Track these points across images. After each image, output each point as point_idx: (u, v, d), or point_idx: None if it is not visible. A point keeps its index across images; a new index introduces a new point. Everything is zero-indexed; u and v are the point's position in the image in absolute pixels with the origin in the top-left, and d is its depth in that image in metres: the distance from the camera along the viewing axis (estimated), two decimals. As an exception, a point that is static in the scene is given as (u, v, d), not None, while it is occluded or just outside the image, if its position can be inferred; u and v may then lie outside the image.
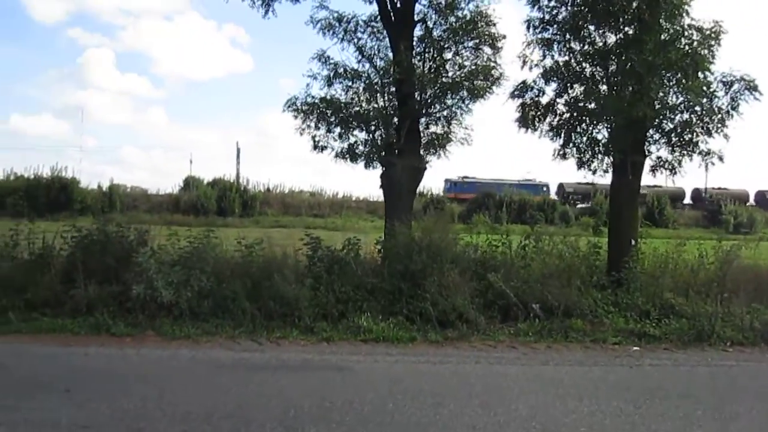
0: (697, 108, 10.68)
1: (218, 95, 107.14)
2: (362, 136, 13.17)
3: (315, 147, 13.37)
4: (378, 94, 13.09)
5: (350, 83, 13.14)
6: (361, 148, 13.16)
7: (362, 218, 43.11)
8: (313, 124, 13.06)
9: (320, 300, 8.59)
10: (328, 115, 12.94)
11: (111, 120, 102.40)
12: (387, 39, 13.14)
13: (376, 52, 13.30)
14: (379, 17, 13.21)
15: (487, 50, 12.93)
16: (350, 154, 13.29)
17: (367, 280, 9.04)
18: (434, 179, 56.12)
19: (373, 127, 13.09)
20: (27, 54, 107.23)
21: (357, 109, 12.90)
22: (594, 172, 11.76)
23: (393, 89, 13.03)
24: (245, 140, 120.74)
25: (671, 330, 8.30)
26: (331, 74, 12.97)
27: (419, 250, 8.98)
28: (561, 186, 53.57)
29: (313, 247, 9.61)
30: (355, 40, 13.24)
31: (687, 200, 54.25)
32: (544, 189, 54.77)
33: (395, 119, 12.96)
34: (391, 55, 13.04)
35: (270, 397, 5.53)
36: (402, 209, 12.44)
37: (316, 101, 12.82)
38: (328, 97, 12.81)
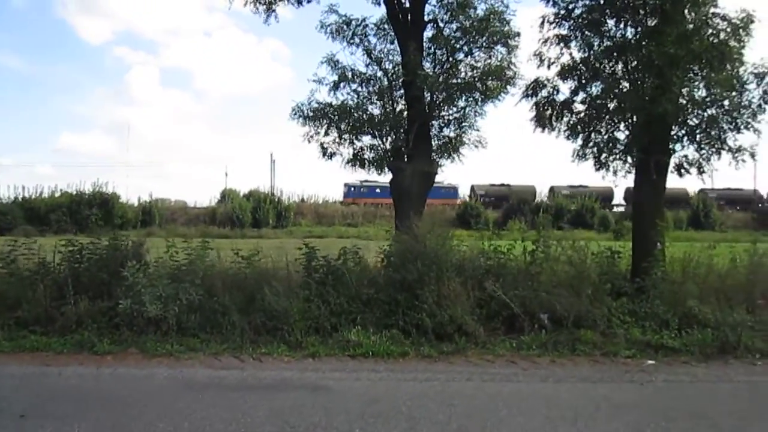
0: (725, 102, 9.94)
1: (257, 108, 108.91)
2: (370, 141, 12.81)
3: (324, 154, 13.06)
4: (386, 98, 12.71)
5: (359, 87, 12.83)
6: (368, 154, 12.82)
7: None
8: (322, 131, 12.78)
9: (313, 313, 8.16)
10: (336, 120, 12.62)
11: (155, 135, 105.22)
12: (395, 41, 12.78)
13: (385, 54, 12.94)
14: (387, 19, 12.86)
15: (501, 49, 12.41)
16: (359, 160, 12.94)
17: (363, 291, 8.56)
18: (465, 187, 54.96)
19: (380, 132, 12.71)
20: (77, 73, 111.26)
21: (363, 113, 12.56)
22: (615, 173, 11.08)
23: (401, 92, 12.65)
24: (283, 152, 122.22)
25: (692, 341, 7.56)
26: (339, 79, 12.68)
27: (414, 258, 8.45)
28: (473, 188, 52.98)
29: (308, 257, 9.18)
30: (365, 44, 12.92)
31: (618, 200, 52.62)
32: (452, 191, 52.95)
33: (403, 123, 12.54)
34: (399, 57, 12.66)
35: (229, 421, 5.08)
36: (412, 216, 11.92)
37: (323, 107, 12.52)
38: (335, 102, 12.49)
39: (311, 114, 12.39)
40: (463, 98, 12.72)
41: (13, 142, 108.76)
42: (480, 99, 12.56)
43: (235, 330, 7.96)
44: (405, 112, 12.61)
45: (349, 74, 12.74)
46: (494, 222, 39.46)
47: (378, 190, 50.77)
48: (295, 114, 12.52)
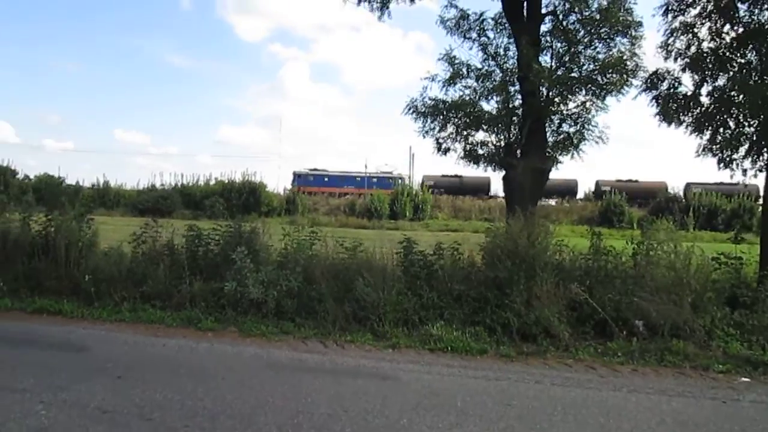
0: None
1: (400, 101, 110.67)
2: (482, 137, 12.76)
3: (439, 149, 13.21)
4: (501, 94, 12.57)
5: (475, 83, 12.82)
6: (480, 150, 12.78)
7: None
8: (437, 126, 12.93)
9: (403, 305, 8.38)
10: (450, 116, 12.72)
11: (305, 128, 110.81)
12: (510, 35, 12.61)
13: (500, 49, 12.82)
14: (503, 13, 12.72)
15: (622, 40, 11.81)
16: (472, 156, 12.94)
17: (455, 287, 8.65)
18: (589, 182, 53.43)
19: (494, 128, 12.62)
20: (235, 70, 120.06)
21: (477, 109, 12.52)
22: (744, 173, 10.22)
23: (516, 87, 12.46)
24: (422, 145, 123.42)
25: (805, 362, 6.83)
26: (453, 75, 12.74)
27: (504, 257, 8.38)
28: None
29: (405, 251, 9.41)
30: (482, 39, 12.89)
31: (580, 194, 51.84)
32: (399, 182, 52.72)
33: (516, 119, 12.37)
34: (512, 52, 12.49)
35: (291, 399, 5.47)
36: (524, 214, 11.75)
37: (436, 103, 12.65)
38: (450, 99, 12.58)
39: (424, 110, 12.58)
40: (583, 92, 12.30)
41: (179, 134, 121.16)
42: (600, 93, 12.06)
43: (327, 317, 8.39)
44: (517, 108, 12.42)
45: (464, 70, 12.78)
46: (638, 221, 37.22)
47: (326, 179, 53.16)
48: (409, 109, 12.77)
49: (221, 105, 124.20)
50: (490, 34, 12.97)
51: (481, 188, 52.41)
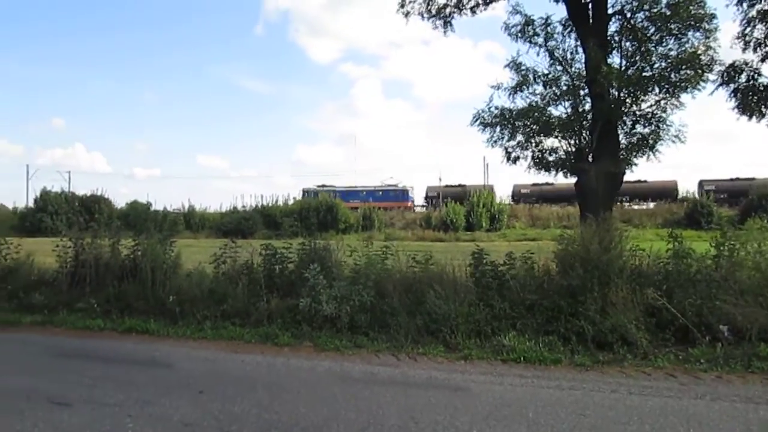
0: None
1: (474, 110, 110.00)
2: (551, 143, 12.58)
3: (508, 159, 13.13)
4: (569, 98, 12.38)
5: (542, 89, 12.68)
6: (550, 156, 12.59)
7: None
8: (506, 135, 12.85)
9: (474, 316, 8.35)
10: (518, 124, 12.61)
11: (378, 143, 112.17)
12: (576, 39, 12.42)
13: (566, 53, 12.63)
14: (567, 18, 12.56)
15: (695, 34, 11.40)
16: (542, 164, 12.77)
17: (527, 296, 8.54)
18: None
19: (563, 134, 12.42)
20: (308, 91, 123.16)
21: (546, 116, 12.37)
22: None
23: (585, 91, 12.23)
24: (496, 155, 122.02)
25: None
26: (520, 82, 12.66)
27: (576, 264, 8.20)
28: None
29: (476, 261, 9.38)
30: (548, 44, 12.75)
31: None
32: (405, 194, 55.38)
33: (586, 123, 12.13)
34: (579, 55, 12.30)
35: (362, 411, 5.57)
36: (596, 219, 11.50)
37: (503, 111, 12.58)
38: (513, 107, 12.50)
39: (490, 120, 12.53)
40: (656, 91, 11.94)
41: (257, 156, 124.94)
42: (674, 90, 11.66)
43: (400, 330, 8.46)
44: (588, 112, 12.19)
45: (531, 76, 12.66)
46: (728, 220, 35.31)
47: (335, 193, 53.31)
48: (475, 121, 12.76)
49: (296, 126, 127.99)
50: (556, 38, 12.81)
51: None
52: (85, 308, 10.31)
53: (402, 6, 13.22)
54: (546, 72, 12.66)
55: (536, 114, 12.32)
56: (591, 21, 12.14)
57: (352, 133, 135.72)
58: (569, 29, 12.77)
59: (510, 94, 12.66)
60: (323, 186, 59.30)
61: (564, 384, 6.40)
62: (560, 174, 12.67)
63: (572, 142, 12.46)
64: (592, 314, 7.76)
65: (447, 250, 11.65)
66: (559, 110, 12.38)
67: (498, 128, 12.68)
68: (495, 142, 12.93)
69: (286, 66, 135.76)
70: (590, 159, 12.06)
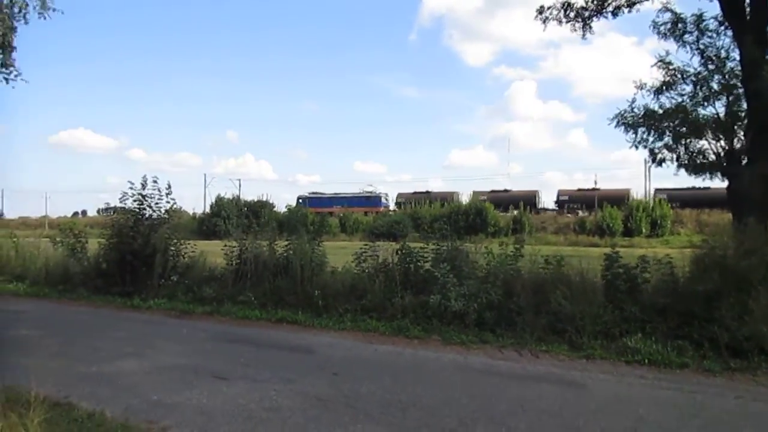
0: None
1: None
2: (700, 145, 12.01)
3: (654, 160, 12.74)
4: (720, 98, 11.76)
5: (690, 88, 12.17)
6: (698, 158, 12.03)
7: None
8: (652, 137, 12.49)
9: (603, 318, 8.37)
10: (664, 125, 12.20)
11: (533, 146, 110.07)
12: (731, 36, 11.76)
13: (719, 51, 12.00)
14: (721, 14, 11.94)
15: None
16: (691, 166, 12.24)
17: (659, 300, 8.39)
18: None
19: (715, 134, 11.82)
20: (462, 95, 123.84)
21: (695, 116, 11.85)
22: None
23: (740, 90, 11.55)
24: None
25: None
26: (668, 81, 12.24)
27: (711, 269, 7.92)
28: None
29: (608, 264, 9.33)
30: (706, 40, 12.20)
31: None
32: (378, 200, 61.15)
33: (740, 123, 11.46)
34: (733, 53, 11.64)
35: (475, 397, 5.97)
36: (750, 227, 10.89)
37: (648, 112, 12.24)
38: (656, 107, 12.10)
39: (632, 121, 12.23)
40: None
41: (412, 161, 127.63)
42: None
43: (526, 328, 8.70)
44: (743, 112, 11.50)
45: (679, 76, 12.20)
46: None
47: (321, 201, 61.54)
48: (617, 121, 12.51)
49: (451, 130, 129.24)
50: (709, 36, 12.21)
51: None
52: (245, 301, 11.60)
53: (540, 12, 13.30)
54: (696, 71, 12.12)
55: (683, 114, 11.83)
56: (748, 16, 11.47)
57: (506, 136, 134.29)
58: (724, 26, 12.13)
59: (655, 93, 12.25)
60: (314, 193, 67.34)
61: (686, 387, 6.33)
62: (712, 177, 12.02)
63: (724, 143, 11.81)
64: (728, 321, 7.49)
65: (600, 255, 11.42)
66: (709, 111, 11.77)
67: (643, 128, 12.33)
68: (639, 143, 12.57)
69: (440, 71, 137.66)
70: (744, 162, 11.38)
